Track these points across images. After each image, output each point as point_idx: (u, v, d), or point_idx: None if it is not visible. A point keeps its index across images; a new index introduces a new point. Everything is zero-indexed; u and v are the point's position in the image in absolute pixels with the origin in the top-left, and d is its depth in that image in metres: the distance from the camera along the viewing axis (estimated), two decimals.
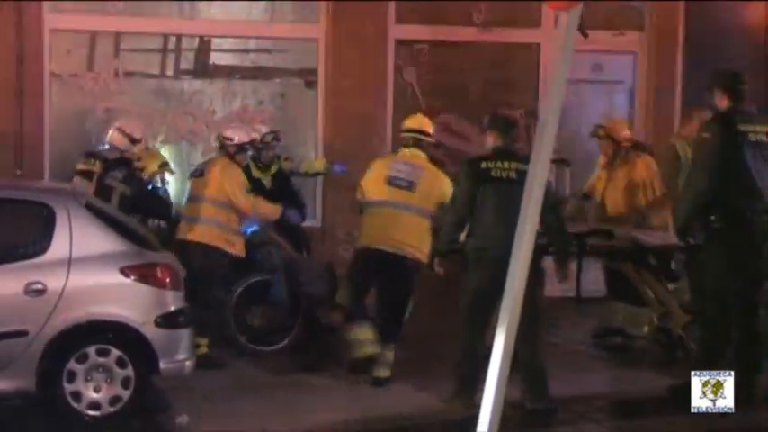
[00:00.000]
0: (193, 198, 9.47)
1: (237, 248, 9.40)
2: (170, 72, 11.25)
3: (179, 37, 11.22)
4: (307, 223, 11.06)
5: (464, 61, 11.73)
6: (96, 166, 9.46)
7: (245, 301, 9.67)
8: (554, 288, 9.33)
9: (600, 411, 8.13)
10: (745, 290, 8.07)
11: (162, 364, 7.76)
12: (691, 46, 11.93)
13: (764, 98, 11.53)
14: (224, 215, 9.32)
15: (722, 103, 8.12)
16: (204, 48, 11.30)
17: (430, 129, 9.03)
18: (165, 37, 11.20)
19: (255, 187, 9.59)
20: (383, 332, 8.78)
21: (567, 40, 4.85)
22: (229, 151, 9.49)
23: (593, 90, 11.96)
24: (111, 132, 9.62)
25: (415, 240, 8.73)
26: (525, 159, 7.82)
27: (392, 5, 11.27)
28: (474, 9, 11.47)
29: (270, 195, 9.72)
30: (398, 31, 11.38)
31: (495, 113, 8.65)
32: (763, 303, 8.23)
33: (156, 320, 7.73)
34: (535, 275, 7.71)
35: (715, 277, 8.08)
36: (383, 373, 8.76)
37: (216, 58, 11.38)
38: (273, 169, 10.10)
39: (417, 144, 8.92)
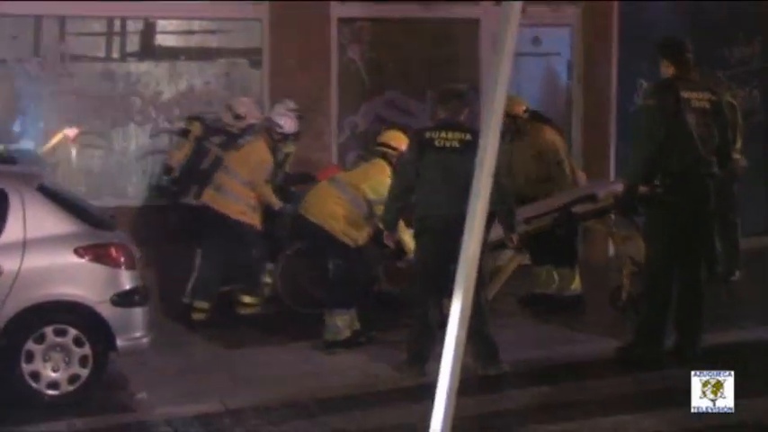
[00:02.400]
0: (223, 168, 9.98)
1: (254, 220, 9.90)
2: (116, 55, 11.24)
3: (123, 20, 11.20)
4: None
5: (406, 38, 11.83)
6: (197, 129, 10.37)
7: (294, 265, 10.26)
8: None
9: (547, 374, 8.29)
10: (689, 254, 8.24)
11: (119, 342, 7.89)
12: (626, 18, 12.10)
13: (700, 60, 11.80)
14: (243, 190, 9.84)
15: (667, 71, 8.26)
16: (149, 30, 11.26)
17: (396, 143, 9.24)
18: (110, 20, 11.18)
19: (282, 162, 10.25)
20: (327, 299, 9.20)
21: (512, 13, 4.97)
22: (273, 137, 10.00)
23: (531, 63, 12.14)
24: (224, 108, 10.47)
25: (324, 207, 9.12)
26: (469, 131, 8.05)
27: None
28: None
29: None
30: (340, 10, 11.42)
31: (442, 88, 8.85)
32: (706, 267, 8.45)
33: (111, 299, 7.86)
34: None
35: (657, 241, 8.28)
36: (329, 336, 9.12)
37: (161, 40, 11.35)
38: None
39: (383, 156, 9.24)
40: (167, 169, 10.48)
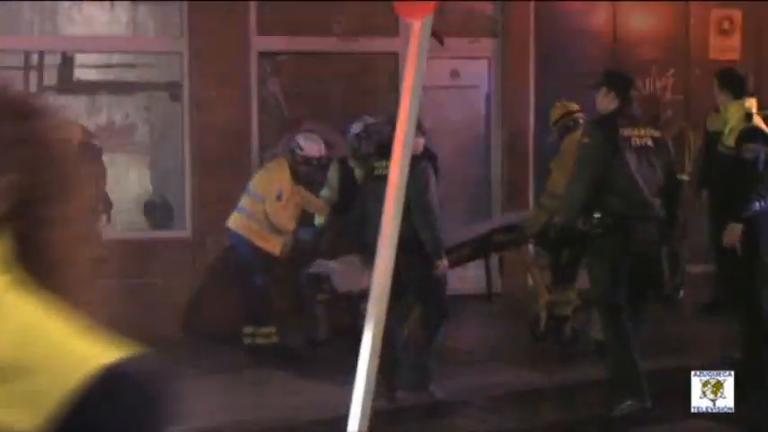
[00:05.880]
0: (246, 190, 9.97)
1: (271, 245, 9.78)
2: (33, 88, 11.17)
3: (41, 54, 11.17)
4: (175, 234, 11.23)
5: (325, 71, 11.90)
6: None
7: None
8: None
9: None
10: (634, 295, 7.90)
11: None
12: (542, 50, 12.31)
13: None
14: (262, 212, 9.75)
15: (609, 104, 7.89)
16: (67, 63, 11.24)
17: None
18: (27, 54, 11.14)
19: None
20: None
21: (420, 48, 5.04)
22: (295, 158, 9.93)
23: (450, 95, 12.26)
24: None
25: None
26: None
27: (253, 18, 11.35)
28: (334, 20, 11.65)
29: None
30: (260, 43, 11.46)
31: (392, 118, 8.89)
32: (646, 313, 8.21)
33: None
34: (428, 271, 8.07)
35: (598, 284, 7.97)
36: None
37: (80, 74, 11.33)
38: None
39: None
40: None
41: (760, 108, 8.67)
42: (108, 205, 9.06)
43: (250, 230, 9.81)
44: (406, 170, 5.11)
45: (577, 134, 9.44)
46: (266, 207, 9.78)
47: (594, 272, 8.04)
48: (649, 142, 7.81)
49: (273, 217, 9.77)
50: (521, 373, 9.19)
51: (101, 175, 9.00)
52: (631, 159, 7.66)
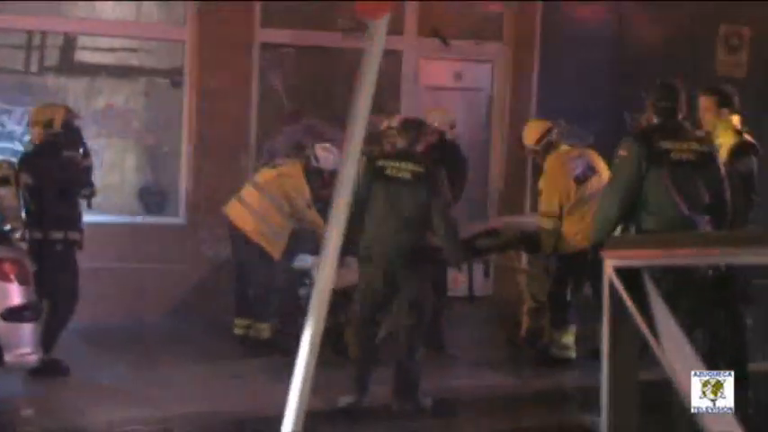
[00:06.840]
0: (255, 185, 9.86)
1: (276, 252, 9.73)
2: (34, 68, 11.23)
3: (44, 34, 11.18)
4: (169, 221, 11.25)
5: (328, 66, 11.86)
6: None
7: None
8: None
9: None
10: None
11: (6, 357, 7.84)
12: (547, 55, 12.21)
13: (617, 100, 11.91)
14: (275, 216, 9.69)
15: (650, 117, 7.60)
16: (69, 45, 11.24)
17: None
18: (30, 34, 11.17)
19: None
20: None
21: (376, 45, 5.00)
22: (309, 167, 9.91)
23: (453, 97, 12.21)
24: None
25: None
26: (423, 162, 8.13)
27: (258, 9, 11.35)
28: (338, 16, 11.58)
29: None
30: (264, 35, 11.44)
31: (405, 119, 8.91)
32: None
33: (1, 314, 7.83)
34: (425, 278, 8.05)
35: None
36: None
37: (81, 56, 11.33)
38: None
39: None
40: None
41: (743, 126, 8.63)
42: (91, 189, 8.99)
43: (260, 235, 9.69)
44: (354, 170, 5.08)
45: (561, 150, 9.45)
46: (303, 215, 9.74)
47: None
48: (691, 157, 7.28)
49: (315, 223, 9.57)
50: (497, 377, 9.21)
51: (83, 157, 8.95)
52: (669, 174, 7.19)
